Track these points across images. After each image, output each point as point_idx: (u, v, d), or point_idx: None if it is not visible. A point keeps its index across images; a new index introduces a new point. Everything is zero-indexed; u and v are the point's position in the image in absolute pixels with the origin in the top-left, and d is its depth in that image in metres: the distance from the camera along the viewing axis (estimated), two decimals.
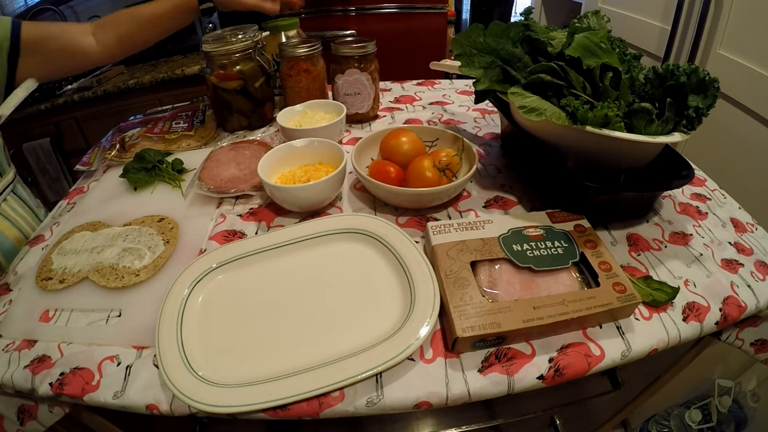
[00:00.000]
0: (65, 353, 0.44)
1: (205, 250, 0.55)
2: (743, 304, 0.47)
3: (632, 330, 0.44)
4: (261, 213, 0.62)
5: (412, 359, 0.42)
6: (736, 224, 0.58)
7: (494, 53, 0.59)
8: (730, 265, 0.52)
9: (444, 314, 0.44)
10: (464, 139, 0.64)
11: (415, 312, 0.43)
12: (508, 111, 0.64)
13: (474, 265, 0.47)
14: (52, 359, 0.43)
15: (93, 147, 0.83)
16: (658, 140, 0.48)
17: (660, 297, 0.46)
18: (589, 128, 0.48)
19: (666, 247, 0.54)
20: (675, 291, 0.46)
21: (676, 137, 0.49)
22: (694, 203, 0.62)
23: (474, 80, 0.60)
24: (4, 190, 0.69)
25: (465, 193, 0.64)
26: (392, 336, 0.41)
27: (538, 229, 0.50)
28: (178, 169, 0.71)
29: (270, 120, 0.88)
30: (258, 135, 0.79)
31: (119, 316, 0.48)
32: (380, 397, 0.39)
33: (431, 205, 0.60)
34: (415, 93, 1.01)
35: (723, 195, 0.65)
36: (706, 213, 0.60)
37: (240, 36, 0.77)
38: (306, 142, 0.65)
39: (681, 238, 0.56)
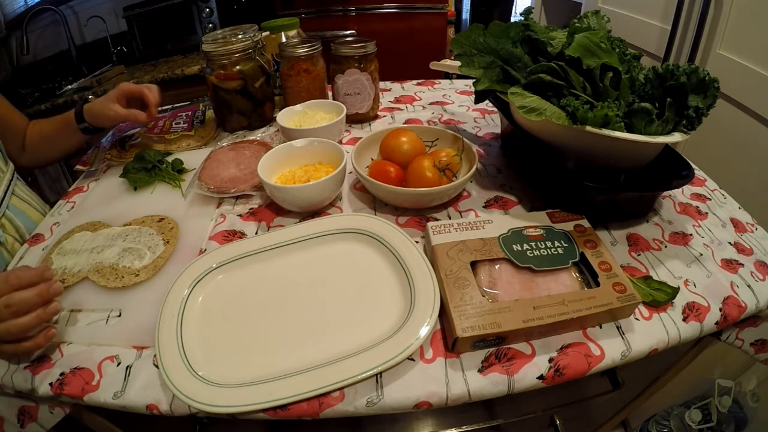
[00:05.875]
0: (65, 353, 0.44)
1: (205, 250, 0.55)
2: (743, 304, 0.47)
3: (632, 330, 0.44)
4: (261, 213, 0.62)
5: (412, 359, 0.42)
6: (736, 224, 0.58)
7: (494, 53, 0.59)
8: (730, 265, 0.52)
9: (444, 314, 0.44)
10: (464, 139, 0.64)
11: (415, 312, 0.43)
12: (508, 111, 0.64)
13: (474, 265, 0.47)
14: (52, 359, 0.43)
15: (93, 147, 0.84)
16: (658, 140, 0.48)
17: (660, 297, 0.46)
18: (589, 128, 0.48)
19: (666, 247, 0.54)
20: (675, 291, 0.46)
21: (676, 137, 0.49)
22: (694, 203, 0.62)
23: (474, 80, 0.60)
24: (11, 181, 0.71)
25: (465, 193, 0.64)
26: (392, 336, 0.41)
27: (538, 229, 0.50)
28: (178, 169, 0.71)
29: (270, 120, 0.88)
30: (258, 135, 0.79)
31: (119, 316, 0.48)
32: (380, 397, 0.39)
33: (431, 205, 0.60)
34: (415, 93, 1.01)
35: (723, 195, 0.65)
36: (706, 213, 0.60)
37: (240, 36, 0.77)
38: (306, 142, 0.65)
39: (681, 238, 0.56)
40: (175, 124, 0.83)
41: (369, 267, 0.50)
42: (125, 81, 1.57)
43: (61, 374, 0.42)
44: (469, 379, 0.40)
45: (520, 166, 0.68)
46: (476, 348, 0.42)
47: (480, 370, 0.41)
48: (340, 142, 0.79)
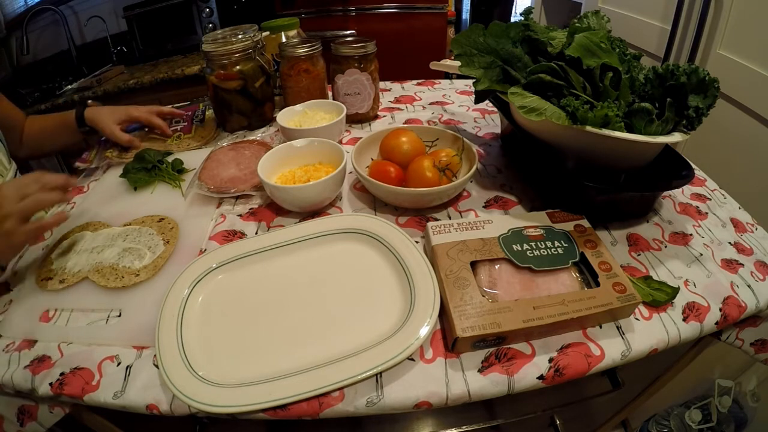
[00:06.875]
0: (65, 353, 0.44)
1: (205, 250, 0.55)
2: (743, 304, 0.47)
3: (632, 330, 0.44)
4: (261, 213, 0.62)
5: (412, 359, 0.42)
6: (736, 224, 0.58)
7: (494, 53, 0.59)
8: (730, 265, 0.52)
9: (444, 314, 0.44)
10: (464, 139, 0.64)
11: (415, 312, 0.43)
12: (508, 111, 0.64)
13: (474, 265, 0.47)
14: (52, 359, 0.43)
15: (93, 145, 0.83)
16: (658, 140, 0.48)
17: (660, 297, 0.46)
18: (589, 128, 0.48)
19: (666, 247, 0.54)
20: (675, 291, 0.46)
21: (676, 137, 0.49)
22: (694, 203, 0.62)
23: (474, 80, 0.60)
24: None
25: (465, 193, 0.64)
26: (392, 336, 0.41)
27: (538, 229, 0.50)
28: (178, 169, 0.71)
29: (270, 120, 0.88)
30: (258, 135, 0.79)
31: (119, 316, 0.48)
32: (380, 397, 0.39)
33: (431, 205, 0.60)
34: (415, 93, 1.01)
35: (723, 195, 0.65)
36: (706, 213, 0.60)
37: (240, 36, 0.77)
38: (306, 142, 0.65)
39: (681, 238, 0.55)
40: (175, 123, 0.83)
41: (369, 267, 0.50)
42: (125, 81, 1.57)
43: (61, 374, 0.42)
44: (469, 379, 0.40)
45: (520, 166, 0.68)
46: (476, 348, 0.42)
47: (480, 370, 0.41)
48: (340, 142, 0.79)
